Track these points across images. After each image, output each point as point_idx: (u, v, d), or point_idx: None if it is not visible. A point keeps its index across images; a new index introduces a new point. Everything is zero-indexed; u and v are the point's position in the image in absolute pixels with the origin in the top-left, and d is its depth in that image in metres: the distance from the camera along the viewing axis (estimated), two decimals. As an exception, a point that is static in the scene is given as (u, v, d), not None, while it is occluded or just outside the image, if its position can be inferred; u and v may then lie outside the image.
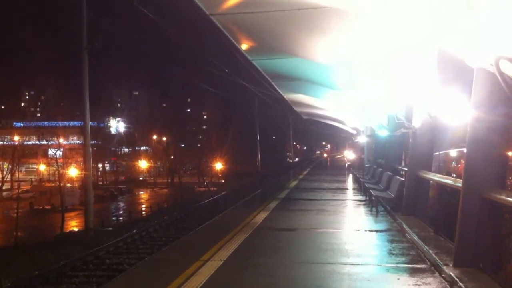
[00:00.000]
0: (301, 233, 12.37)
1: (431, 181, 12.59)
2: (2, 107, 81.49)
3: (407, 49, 9.95)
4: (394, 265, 8.73)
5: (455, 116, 8.78)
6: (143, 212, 39.18)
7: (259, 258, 9.57)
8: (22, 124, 74.55)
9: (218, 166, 68.83)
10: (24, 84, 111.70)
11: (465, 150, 8.34)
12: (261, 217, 14.84)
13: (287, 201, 19.21)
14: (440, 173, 12.15)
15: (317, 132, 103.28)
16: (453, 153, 15.39)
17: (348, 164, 48.71)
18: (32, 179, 69.17)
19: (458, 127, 10.52)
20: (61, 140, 57.11)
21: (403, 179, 15.69)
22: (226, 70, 30.73)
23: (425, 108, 11.90)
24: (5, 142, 64.84)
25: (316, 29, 10.86)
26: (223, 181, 70.51)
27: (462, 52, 7.93)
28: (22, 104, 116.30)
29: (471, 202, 7.82)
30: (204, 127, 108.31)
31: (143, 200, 55.76)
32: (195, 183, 68.67)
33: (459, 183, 8.72)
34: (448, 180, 10.63)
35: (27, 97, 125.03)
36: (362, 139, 34.46)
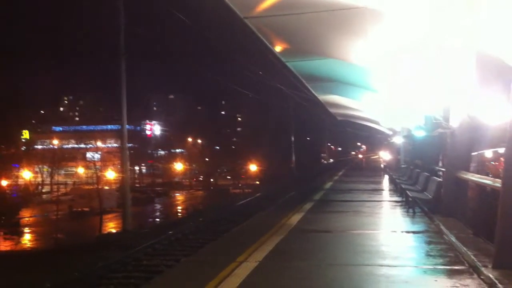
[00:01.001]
0: (337, 235, 12.32)
1: (470, 182, 12.38)
2: (42, 112, 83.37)
3: (447, 49, 9.82)
4: (432, 267, 8.62)
5: (495, 115, 8.64)
6: (179, 214, 39.56)
7: (295, 260, 9.57)
8: (61, 129, 76.16)
9: (253, 168, 68.91)
10: (63, 89, 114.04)
11: (499, 150, 8.20)
12: (296, 218, 14.83)
13: (322, 203, 19.15)
14: (477, 173, 11.94)
15: (352, 133, 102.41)
16: (489, 153, 15.08)
17: (383, 165, 48.18)
18: (67, 182, 70.39)
19: (497, 127, 10.33)
20: (99, 144, 58.05)
21: (440, 180, 15.49)
22: (261, 73, 30.84)
23: (463, 108, 11.73)
24: (45, 146, 66.26)
25: (350, 30, 10.82)
26: (258, 183, 70.59)
27: (501, 52, 7.79)
28: (61, 109, 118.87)
29: (511, 203, 7.67)
30: (239, 129, 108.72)
31: (179, 202, 56.22)
32: (230, 185, 68.91)
33: (498, 183, 8.57)
34: (487, 181, 10.45)
35: (66, 102, 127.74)
36: (398, 140, 34.12)
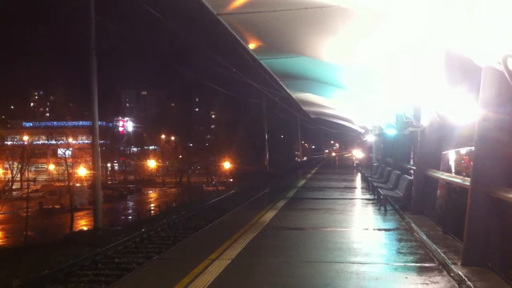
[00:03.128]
0: (309, 232, 12.37)
1: (440, 180, 12.55)
2: (12, 107, 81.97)
3: (415, 48, 9.93)
4: (402, 264, 8.72)
5: (463, 115, 8.77)
6: (152, 212, 39.27)
7: (267, 257, 9.58)
8: (31, 124, 75.06)
9: (227, 165, 68.85)
10: (33, 85, 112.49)
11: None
12: (269, 216, 14.85)
13: (295, 200, 19.21)
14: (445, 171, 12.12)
15: (325, 131, 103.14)
16: (452, 153, 15.44)
17: (356, 163, 48.59)
18: (34, 178, 69.44)
19: (466, 126, 10.49)
20: (70, 140, 57.30)
21: (411, 178, 15.66)
22: (234, 70, 30.81)
23: (433, 107, 11.87)
24: (14, 142, 65.23)
25: (324, 29, 10.87)
26: (231, 180, 70.58)
27: (470, 51, 7.90)
28: (32, 104, 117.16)
29: (479, 201, 7.80)
30: (212, 126, 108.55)
31: (151, 200, 55.90)
32: (204, 183, 68.75)
33: (467, 181, 8.70)
34: (456, 179, 10.61)
35: (36, 97, 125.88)
36: (370, 138, 34.44)
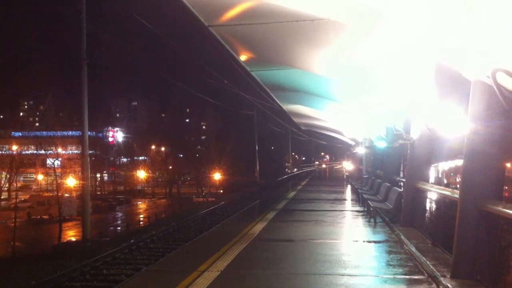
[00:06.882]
0: (298, 244, 12.35)
1: (429, 192, 12.59)
2: (1, 116, 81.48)
3: (404, 62, 9.99)
4: (392, 277, 8.72)
5: (453, 128, 8.82)
6: (141, 223, 39.12)
7: (256, 269, 9.55)
8: (20, 134, 74.61)
9: (217, 176, 68.76)
10: (23, 94, 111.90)
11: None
12: (258, 228, 14.82)
13: (285, 212, 19.18)
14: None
15: (316, 143, 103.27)
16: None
17: (346, 175, 48.66)
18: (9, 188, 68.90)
19: (455, 139, 10.54)
20: (60, 150, 56.98)
21: (401, 190, 15.70)
22: (225, 81, 30.90)
23: (423, 120, 11.95)
24: (3, 152, 64.74)
25: (314, 41, 10.93)
26: (221, 191, 70.44)
27: (459, 64, 7.96)
28: (21, 114, 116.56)
29: (468, 214, 7.83)
30: (203, 137, 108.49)
31: (141, 211, 55.60)
32: (194, 194, 68.54)
33: (456, 194, 8.74)
34: (445, 192, 10.63)
35: (26, 107, 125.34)
36: (360, 150, 34.55)
